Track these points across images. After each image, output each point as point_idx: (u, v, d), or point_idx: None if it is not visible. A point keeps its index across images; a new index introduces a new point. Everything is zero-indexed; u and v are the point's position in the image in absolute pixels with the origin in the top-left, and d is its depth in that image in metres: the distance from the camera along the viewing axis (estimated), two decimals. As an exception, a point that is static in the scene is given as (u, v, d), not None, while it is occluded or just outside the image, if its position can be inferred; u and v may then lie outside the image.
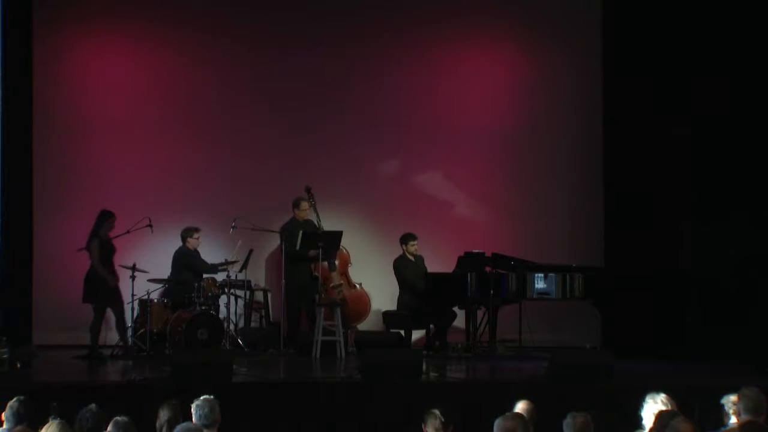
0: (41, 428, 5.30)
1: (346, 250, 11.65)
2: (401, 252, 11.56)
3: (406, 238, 11.55)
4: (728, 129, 10.40)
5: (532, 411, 6.24)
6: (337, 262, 11.51)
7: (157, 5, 12.28)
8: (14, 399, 5.65)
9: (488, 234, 12.23)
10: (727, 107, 10.44)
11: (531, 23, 12.67)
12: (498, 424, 5.48)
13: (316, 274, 11.07)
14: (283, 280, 11.42)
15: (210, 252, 11.51)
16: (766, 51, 10.18)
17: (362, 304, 11.64)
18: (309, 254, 11.07)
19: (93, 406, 5.51)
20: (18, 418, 5.56)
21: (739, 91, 10.31)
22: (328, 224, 11.40)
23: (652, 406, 5.89)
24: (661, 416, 5.61)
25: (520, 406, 6.22)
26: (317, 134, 12.29)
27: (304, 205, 11.50)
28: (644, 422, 5.87)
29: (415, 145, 12.50)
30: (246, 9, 12.34)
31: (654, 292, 11.25)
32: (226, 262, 11.14)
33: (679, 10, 10.85)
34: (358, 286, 11.66)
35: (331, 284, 11.34)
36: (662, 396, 5.99)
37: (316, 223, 11.43)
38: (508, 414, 5.69)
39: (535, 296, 11.17)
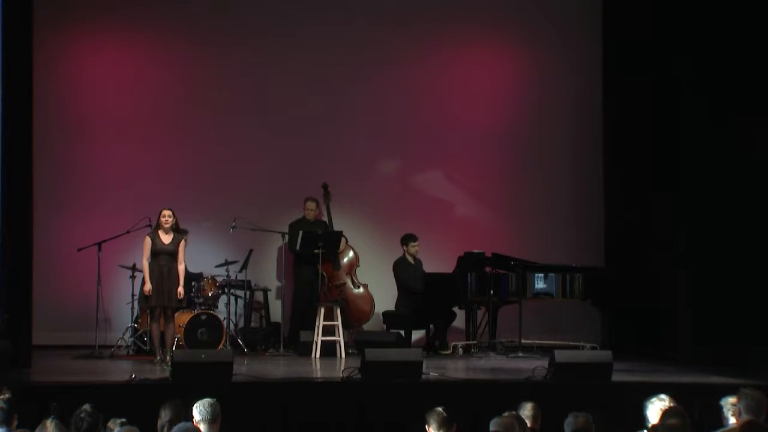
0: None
1: (354, 250, 11.65)
2: (401, 253, 11.56)
3: (407, 239, 11.54)
4: (728, 129, 10.40)
5: (537, 413, 6.25)
6: (344, 262, 11.52)
7: (158, 5, 12.28)
8: None
9: (488, 234, 12.24)
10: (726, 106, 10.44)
11: (531, 23, 12.69)
12: (495, 422, 5.49)
13: (322, 272, 11.09)
14: (284, 280, 11.45)
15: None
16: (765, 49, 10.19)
17: (365, 305, 11.62)
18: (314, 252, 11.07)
19: (87, 406, 5.50)
20: None
21: (738, 90, 10.30)
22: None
23: (658, 405, 5.89)
24: (665, 413, 5.62)
25: (526, 407, 6.22)
26: (318, 134, 12.29)
27: (309, 204, 11.58)
28: (649, 421, 5.86)
29: (415, 145, 12.51)
30: (248, 9, 12.34)
31: (655, 292, 11.25)
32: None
33: (679, 9, 10.84)
34: (362, 287, 11.65)
35: (335, 282, 11.36)
36: (665, 396, 5.99)
37: (327, 222, 11.49)
38: (505, 414, 5.71)
39: (535, 296, 11.20)
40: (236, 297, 11.51)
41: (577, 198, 12.58)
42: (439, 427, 5.62)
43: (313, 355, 10.48)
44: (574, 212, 12.54)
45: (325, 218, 11.71)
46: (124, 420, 5.65)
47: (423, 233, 11.69)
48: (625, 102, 11.88)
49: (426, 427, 5.70)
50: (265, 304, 11.87)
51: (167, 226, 10.03)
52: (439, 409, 5.69)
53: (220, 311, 11.07)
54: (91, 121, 12.08)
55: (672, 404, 5.89)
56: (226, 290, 11.17)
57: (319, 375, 9.55)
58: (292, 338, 11.17)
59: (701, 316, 10.38)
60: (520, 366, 9.74)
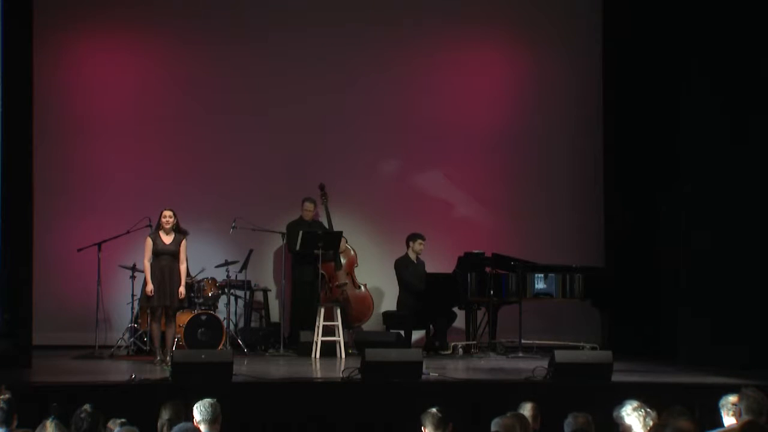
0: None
1: (353, 250, 11.65)
2: (404, 252, 11.56)
3: (413, 237, 11.52)
4: (727, 129, 10.39)
5: (537, 413, 6.24)
6: (343, 262, 11.53)
7: (159, 5, 12.28)
8: None
9: (488, 234, 12.24)
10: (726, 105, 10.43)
11: (531, 23, 12.68)
12: (496, 422, 5.49)
13: (323, 272, 11.09)
14: (284, 280, 11.45)
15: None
16: (763, 48, 10.18)
17: (365, 305, 11.63)
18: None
19: (87, 406, 5.49)
20: None
21: (739, 89, 10.30)
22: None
23: (630, 407, 5.78)
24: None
25: (525, 407, 6.21)
26: (318, 134, 12.29)
27: (307, 205, 11.58)
28: (632, 428, 5.79)
29: (415, 145, 12.51)
30: (248, 9, 12.34)
31: (655, 292, 11.25)
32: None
33: (679, 9, 10.84)
34: (362, 287, 11.65)
35: (336, 282, 11.36)
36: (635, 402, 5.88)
37: (326, 223, 11.48)
38: (507, 414, 5.70)
39: (535, 296, 11.20)
40: (236, 297, 11.52)
41: (577, 198, 12.57)
42: (436, 427, 5.62)
43: (313, 355, 10.48)
44: (574, 212, 12.53)
45: (322, 219, 11.70)
46: (124, 420, 5.65)
47: (423, 233, 11.68)
48: (625, 102, 11.87)
49: (422, 429, 5.70)
50: (265, 304, 11.88)
51: (168, 226, 10.04)
52: (433, 410, 5.68)
53: (220, 311, 11.07)
54: (91, 121, 12.08)
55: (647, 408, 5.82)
56: (226, 290, 11.17)
57: (319, 375, 9.55)
58: (292, 338, 11.17)
59: (702, 316, 10.37)
60: (520, 366, 9.74)
